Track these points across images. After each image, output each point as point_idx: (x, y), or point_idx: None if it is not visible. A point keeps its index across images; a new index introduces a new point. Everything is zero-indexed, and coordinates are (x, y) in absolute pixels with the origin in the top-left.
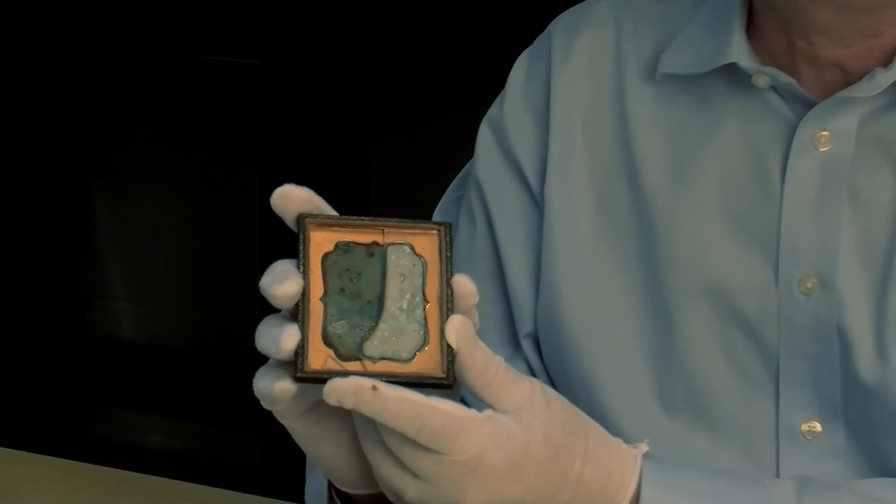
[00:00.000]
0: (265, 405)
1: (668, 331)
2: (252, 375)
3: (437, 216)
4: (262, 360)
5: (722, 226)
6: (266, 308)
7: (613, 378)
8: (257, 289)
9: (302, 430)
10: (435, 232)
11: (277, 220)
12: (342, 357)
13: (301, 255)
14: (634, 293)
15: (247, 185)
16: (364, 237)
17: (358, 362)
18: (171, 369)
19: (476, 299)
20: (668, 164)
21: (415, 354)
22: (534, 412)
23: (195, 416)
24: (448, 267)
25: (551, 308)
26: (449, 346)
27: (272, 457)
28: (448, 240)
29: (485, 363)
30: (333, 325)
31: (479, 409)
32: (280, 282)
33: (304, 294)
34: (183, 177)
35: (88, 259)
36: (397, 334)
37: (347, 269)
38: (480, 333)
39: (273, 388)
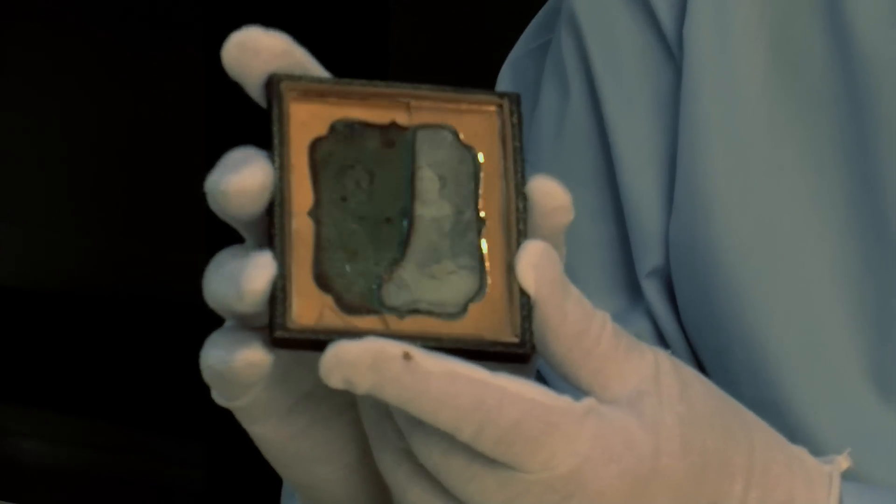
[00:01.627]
0: (219, 397)
1: (892, 262)
2: (197, 344)
3: (504, 81)
4: (214, 322)
5: None
6: (214, 240)
7: (797, 343)
8: (202, 204)
9: (282, 444)
10: (493, 107)
11: (231, 95)
12: (348, 308)
13: (276, 141)
14: (834, 202)
15: (182, 41)
16: (378, 114)
17: (375, 317)
18: (63, 333)
19: (570, 216)
20: None
21: (466, 306)
22: (662, 402)
23: (100, 412)
24: (518, 165)
25: (695, 229)
26: (522, 293)
27: (221, 478)
28: (516, 120)
29: (581, 321)
30: (332, 256)
31: (576, 397)
32: (234, 170)
33: (283, 204)
34: (80, 31)
35: None
36: (437, 273)
37: (352, 166)
38: (572, 272)
39: (233, 361)
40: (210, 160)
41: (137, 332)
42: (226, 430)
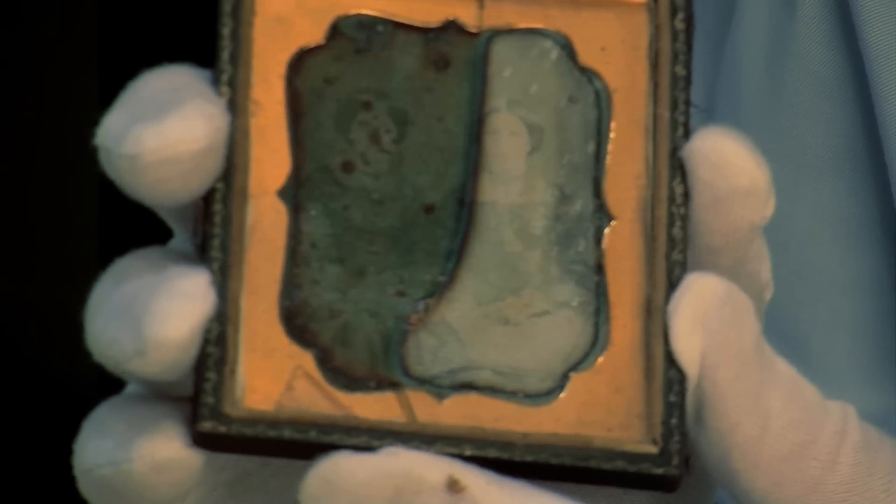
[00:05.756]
0: None
1: None
2: (67, 427)
3: None
4: (92, 394)
5: None
6: (108, 246)
7: None
8: (93, 172)
9: None
10: (641, 0)
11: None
12: (343, 378)
13: (225, 56)
14: None
15: None
16: (421, 6)
17: (392, 395)
18: None
19: (765, 210)
20: None
21: (565, 379)
22: None
23: None
24: (680, 111)
25: None
26: (672, 366)
27: None
28: (682, 25)
29: (798, 429)
30: (319, 277)
31: None
32: (153, 115)
33: (233, 178)
34: None
35: None
36: (513, 315)
37: (366, 105)
38: (790, 338)
39: (131, 460)
40: (106, 94)
41: None
42: None
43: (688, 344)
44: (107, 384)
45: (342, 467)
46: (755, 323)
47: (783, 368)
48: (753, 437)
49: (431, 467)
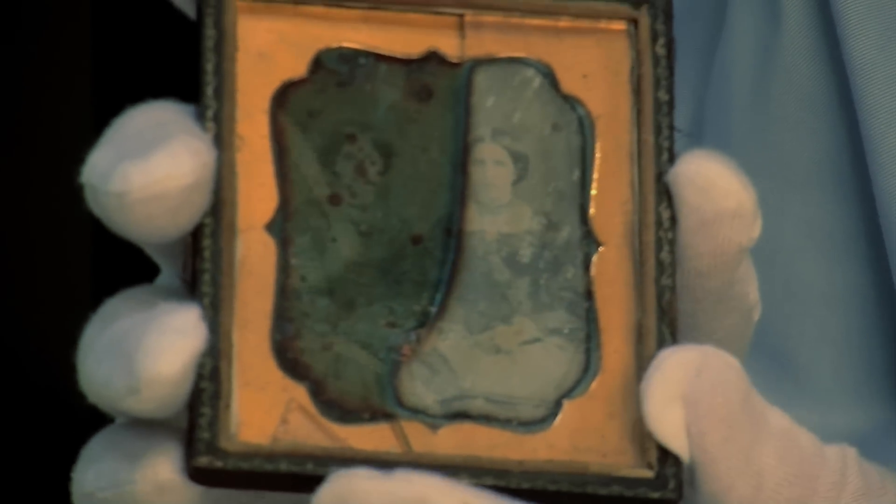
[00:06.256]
0: None
1: None
2: (66, 454)
3: None
4: (85, 424)
5: None
6: (102, 284)
7: None
8: (85, 210)
9: None
10: (622, 25)
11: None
12: (337, 410)
13: (210, 92)
14: None
15: None
16: (403, 38)
17: (386, 426)
18: None
19: (751, 233)
20: None
21: (558, 406)
22: None
23: None
24: (664, 136)
25: None
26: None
27: None
28: (663, 50)
29: (794, 481)
30: (309, 310)
31: None
32: (139, 152)
33: (221, 213)
34: None
35: None
36: (504, 343)
37: (351, 137)
38: (778, 356)
39: (132, 483)
40: (100, 126)
41: None
42: None
43: (665, 422)
44: (102, 413)
45: (357, 487)
46: (741, 380)
47: (776, 420)
48: (748, 498)
49: (446, 495)
